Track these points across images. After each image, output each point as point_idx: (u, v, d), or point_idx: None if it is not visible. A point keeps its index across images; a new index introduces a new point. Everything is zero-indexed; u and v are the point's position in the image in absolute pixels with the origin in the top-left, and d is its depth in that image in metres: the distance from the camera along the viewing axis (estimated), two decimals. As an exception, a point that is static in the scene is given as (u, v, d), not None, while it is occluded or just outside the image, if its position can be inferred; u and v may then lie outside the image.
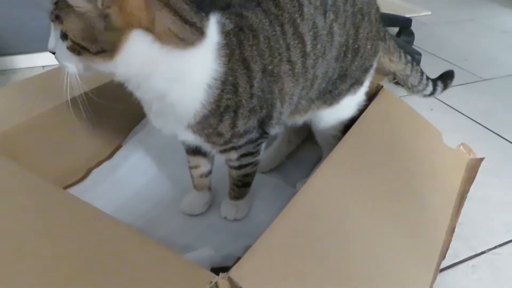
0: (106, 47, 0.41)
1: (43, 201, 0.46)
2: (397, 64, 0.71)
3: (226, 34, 0.46)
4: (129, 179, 0.69)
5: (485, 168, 0.65)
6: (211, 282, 0.37)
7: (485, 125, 0.98)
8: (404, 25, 1.38)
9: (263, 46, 0.48)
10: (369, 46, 0.61)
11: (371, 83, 0.68)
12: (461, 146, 0.69)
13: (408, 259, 0.48)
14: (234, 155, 0.55)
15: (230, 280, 0.37)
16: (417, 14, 1.74)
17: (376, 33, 0.62)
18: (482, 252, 0.64)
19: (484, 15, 1.81)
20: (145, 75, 0.44)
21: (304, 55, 0.52)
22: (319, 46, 0.53)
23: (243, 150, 0.54)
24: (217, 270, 0.38)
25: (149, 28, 0.41)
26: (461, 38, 1.53)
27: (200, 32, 0.44)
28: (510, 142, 0.92)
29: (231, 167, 0.58)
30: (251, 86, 0.48)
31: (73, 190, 0.65)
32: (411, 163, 0.60)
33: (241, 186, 0.61)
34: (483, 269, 0.61)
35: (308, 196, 0.48)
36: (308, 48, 0.52)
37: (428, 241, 0.51)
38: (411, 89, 0.75)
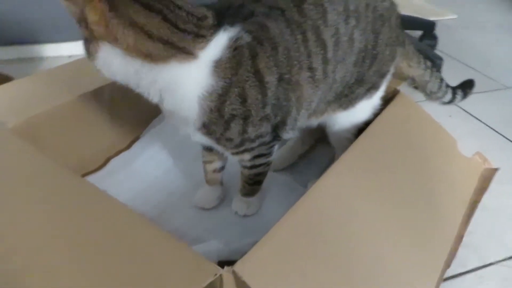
0: (90, 49, 0.43)
1: (59, 187, 0.48)
2: (416, 69, 0.70)
3: (235, 48, 0.46)
4: (144, 170, 0.71)
5: (501, 178, 0.65)
6: (216, 274, 0.38)
7: (504, 134, 0.96)
8: (427, 28, 1.36)
9: (281, 57, 0.49)
10: (387, 52, 0.61)
11: (388, 87, 0.68)
12: (476, 155, 0.68)
13: (413, 265, 0.48)
14: (247, 156, 0.56)
15: (234, 273, 0.38)
16: (442, 17, 1.71)
17: (396, 38, 0.62)
18: (491, 263, 0.64)
19: (513, 21, 1.76)
20: (133, 82, 0.46)
21: (326, 61, 0.53)
22: (340, 52, 0.54)
23: (255, 152, 0.55)
24: (223, 263, 0.39)
25: (115, 42, 0.42)
26: (486, 44, 1.50)
27: (181, 49, 0.44)
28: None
29: (244, 167, 0.60)
30: (264, 96, 0.49)
31: (91, 178, 0.68)
32: (423, 169, 0.60)
33: (252, 184, 0.62)
34: (491, 280, 0.61)
35: (318, 195, 0.48)
36: (330, 54, 0.53)
37: (434, 248, 0.51)
38: (430, 96, 0.74)
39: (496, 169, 0.66)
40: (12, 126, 0.56)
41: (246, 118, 0.49)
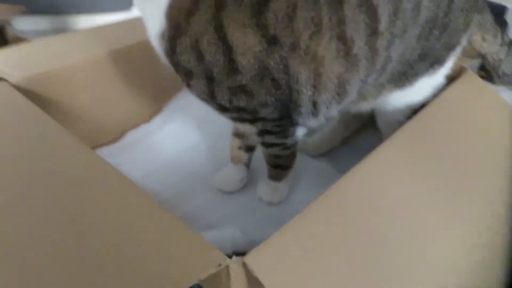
0: None
1: (65, 159, 0.41)
2: (491, 44, 0.58)
3: None
4: (163, 146, 0.64)
5: None
6: (220, 264, 0.29)
7: None
8: (496, 12, 1.20)
9: (275, 15, 0.38)
10: (461, 20, 0.49)
11: (454, 64, 0.56)
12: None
13: (462, 275, 0.37)
14: (248, 128, 0.47)
15: (244, 266, 0.30)
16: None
17: (474, 2, 0.50)
18: None
19: None
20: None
21: (374, 33, 0.41)
22: (399, 23, 0.42)
23: (259, 126, 0.46)
24: (239, 255, 0.31)
25: None
26: None
27: None
28: None
29: (259, 142, 0.51)
30: (230, 60, 0.39)
31: (103, 151, 0.61)
32: (486, 161, 0.49)
33: (274, 167, 0.53)
34: None
35: (353, 182, 0.39)
36: (382, 25, 0.41)
37: (490, 257, 0.40)
38: (501, 79, 0.62)
39: None
40: (15, 82, 0.50)
41: (209, 80, 0.41)
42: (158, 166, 0.61)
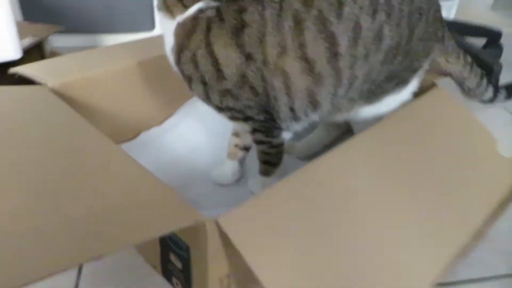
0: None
1: (85, 144, 0.51)
2: (455, 65, 0.66)
3: (195, 18, 0.52)
4: (172, 146, 0.74)
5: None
6: (197, 220, 0.39)
7: None
8: (492, 37, 1.28)
9: (248, 38, 0.50)
10: (421, 48, 0.58)
11: (426, 80, 0.65)
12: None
13: (415, 250, 0.45)
14: (242, 125, 0.58)
15: (217, 224, 0.39)
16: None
17: (433, 34, 0.59)
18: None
19: None
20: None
21: (335, 55, 0.51)
22: (360, 48, 0.52)
23: (250, 124, 0.57)
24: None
25: None
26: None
27: (172, 12, 0.54)
28: None
29: (252, 140, 0.62)
30: (218, 69, 0.52)
31: (122, 147, 0.72)
32: (447, 160, 0.57)
33: (263, 162, 0.62)
34: None
35: (320, 167, 0.48)
36: (343, 49, 0.51)
37: (444, 237, 0.47)
38: (468, 93, 0.70)
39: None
40: (52, 86, 0.62)
41: (204, 85, 0.54)
42: (165, 162, 0.71)
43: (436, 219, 0.49)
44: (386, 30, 0.52)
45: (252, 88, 0.53)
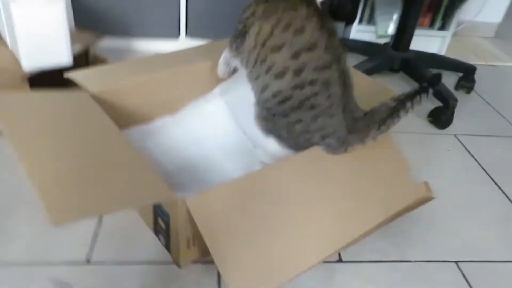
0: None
1: (100, 135, 0.76)
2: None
3: None
4: (179, 135, 0.98)
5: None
6: (171, 198, 0.63)
7: (493, 178, 1.06)
8: (466, 71, 1.46)
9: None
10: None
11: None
12: (423, 183, 0.83)
13: (308, 236, 0.68)
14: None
15: (183, 203, 0.63)
16: (502, 63, 1.75)
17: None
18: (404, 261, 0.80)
19: None
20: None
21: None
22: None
23: None
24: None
25: None
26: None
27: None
28: (510, 198, 1.01)
29: None
30: None
31: (138, 129, 0.97)
32: (365, 176, 0.79)
33: None
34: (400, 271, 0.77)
35: (273, 170, 0.72)
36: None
37: (345, 228, 0.71)
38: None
39: (431, 198, 0.82)
40: (92, 92, 0.87)
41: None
42: (171, 146, 0.96)
43: (343, 216, 0.72)
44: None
45: None
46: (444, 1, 1.67)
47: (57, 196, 0.53)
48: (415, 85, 1.50)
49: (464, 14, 2.01)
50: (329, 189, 0.75)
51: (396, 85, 1.47)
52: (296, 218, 0.69)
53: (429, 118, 1.26)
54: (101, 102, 0.86)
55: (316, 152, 0.78)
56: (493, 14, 2.02)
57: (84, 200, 0.54)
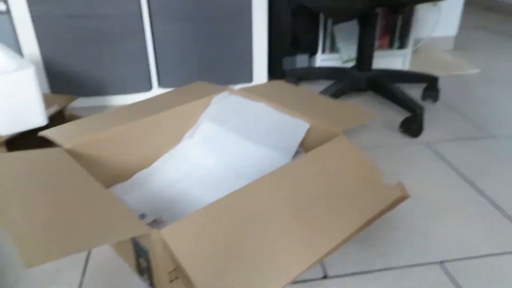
0: None
1: (74, 184, 0.78)
2: None
3: None
4: (155, 182, 1.01)
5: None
6: (146, 231, 0.64)
7: (468, 180, 1.09)
8: (430, 82, 1.53)
9: None
10: None
11: (332, 130, 0.91)
12: (397, 185, 0.86)
13: (286, 250, 0.70)
14: None
15: (158, 233, 0.64)
16: (463, 71, 1.83)
17: None
18: (392, 268, 0.80)
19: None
20: None
21: None
22: None
23: None
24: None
25: None
26: (497, 98, 1.60)
27: None
28: (483, 195, 1.03)
29: None
30: None
31: (119, 186, 0.99)
32: (334, 192, 0.81)
33: None
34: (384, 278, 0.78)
35: (243, 192, 0.74)
36: None
37: (317, 243, 0.72)
38: None
39: (406, 197, 0.84)
40: (66, 147, 0.90)
41: None
42: (151, 197, 0.98)
43: (321, 226, 0.73)
44: None
45: None
46: (398, 22, 1.78)
47: (30, 240, 0.55)
48: (383, 101, 1.60)
49: (421, 31, 2.12)
50: (303, 201, 0.77)
51: (365, 103, 1.53)
52: (273, 234, 0.70)
53: (401, 129, 1.31)
54: (76, 156, 0.89)
55: (286, 168, 0.80)
56: (448, 28, 2.14)
57: (58, 240, 0.56)
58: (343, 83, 1.46)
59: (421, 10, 2.08)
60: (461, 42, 2.24)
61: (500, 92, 1.63)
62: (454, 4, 2.10)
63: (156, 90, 1.56)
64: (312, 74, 1.70)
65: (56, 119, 1.15)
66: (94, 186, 0.76)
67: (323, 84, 1.71)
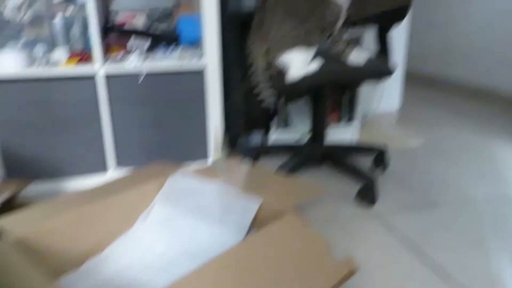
0: None
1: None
2: None
3: None
4: (108, 269, 0.99)
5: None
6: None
7: (413, 248, 1.14)
8: (378, 152, 1.64)
9: None
10: None
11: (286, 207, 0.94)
12: (347, 260, 0.88)
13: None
14: None
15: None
16: (407, 144, 1.97)
17: None
18: None
19: (480, 146, 1.98)
20: None
21: None
22: None
23: None
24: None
25: None
26: (441, 166, 1.72)
27: None
28: (430, 265, 1.07)
29: None
30: None
31: (68, 277, 0.96)
32: (280, 263, 0.83)
33: None
34: None
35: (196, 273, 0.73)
36: None
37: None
38: None
39: (354, 272, 0.86)
40: (12, 238, 0.88)
41: None
42: (99, 284, 0.95)
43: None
44: None
45: None
46: (343, 100, 1.93)
47: None
48: (337, 173, 1.68)
49: (367, 107, 2.29)
50: (251, 285, 0.77)
51: (321, 176, 1.60)
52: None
53: (358, 198, 1.37)
54: (24, 246, 0.87)
55: (235, 251, 0.81)
56: (391, 104, 2.32)
57: None
58: (299, 158, 1.53)
59: (365, 87, 2.27)
60: (403, 116, 2.43)
61: (442, 162, 1.76)
62: (393, 80, 2.31)
63: (113, 171, 1.57)
64: (269, 151, 1.78)
65: (5, 206, 1.13)
66: (37, 281, 0.73)
67: (281, 159, 1.78)
